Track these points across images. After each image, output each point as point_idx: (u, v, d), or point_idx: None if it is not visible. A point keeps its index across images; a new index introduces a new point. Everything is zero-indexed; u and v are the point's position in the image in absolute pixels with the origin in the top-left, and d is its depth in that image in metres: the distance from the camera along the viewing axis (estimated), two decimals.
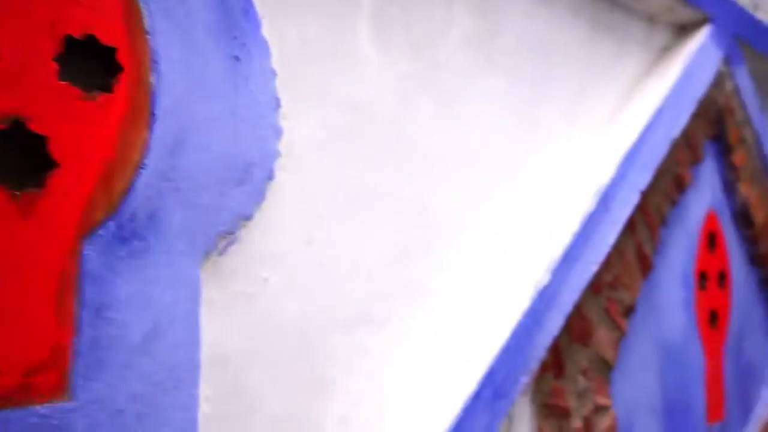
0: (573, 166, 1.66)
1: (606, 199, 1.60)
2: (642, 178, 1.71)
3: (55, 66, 0.82)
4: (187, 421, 0.92)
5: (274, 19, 1.08)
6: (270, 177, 1.05)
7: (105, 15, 0.87)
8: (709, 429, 2.02)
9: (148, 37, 0.91)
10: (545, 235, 1.52)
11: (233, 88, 1.00)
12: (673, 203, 1.91)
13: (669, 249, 1.91)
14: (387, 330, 1.25)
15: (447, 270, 1.37)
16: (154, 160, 0.91)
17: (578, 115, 1.71)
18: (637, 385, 1.78)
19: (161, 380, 0.90)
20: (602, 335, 1.63)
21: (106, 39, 0.87)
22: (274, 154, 1.06)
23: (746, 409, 2.23)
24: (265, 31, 1.06)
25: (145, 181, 0.90)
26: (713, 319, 2.09)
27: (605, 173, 1.62)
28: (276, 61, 1.08)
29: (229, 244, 1.02)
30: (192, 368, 0.93)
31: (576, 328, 1.56)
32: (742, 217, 2.23)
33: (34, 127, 0.81)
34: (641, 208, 1.75)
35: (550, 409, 1.50)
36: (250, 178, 1.01)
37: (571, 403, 1.54)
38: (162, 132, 0.92)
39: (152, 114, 0.91)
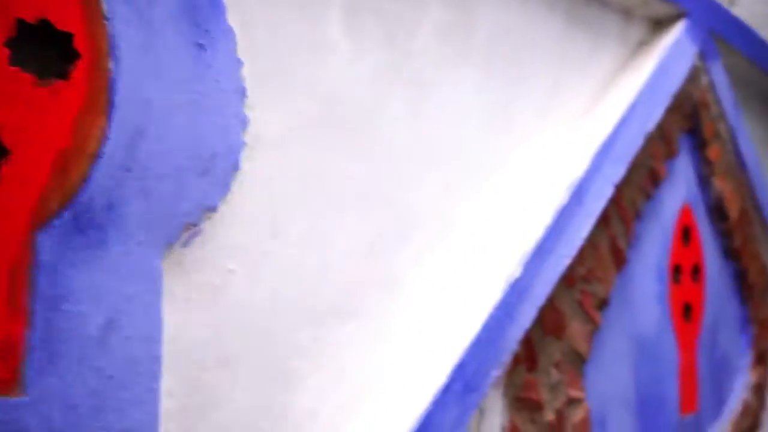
0: (547, 160, 1.65)
1: (579, 193, 1.59)
2: (616, 172, 1.71)
3: (6, 51, 0.80)
4: (147, 415, 0.90)
5: (241, 6, 1.06)
6: (235, 168, 1.03)
7: None
8: (682, 421, 2.04)
9: (106, 22, 0.89)
10: (518, 228, 1.52)
11: (196, 76, 0.97)
12: (648, 197, 1.91)
13: (643, 243, 1.91)
14: (356, 323, 1.24)
15: (418, 263, 1.36)
16: (112, 149, 0.89)
17: (552, 109, 1.70)
18: (611, 378, 1.78)
19: (119, 374, 0.87)
20: (576, 328, 1.63)
21: (61, 24, 0.85)
22: (239, 145, 1.04)
23: (719, 401, 2.26)
24: (231, 18, 1.04)
25: (103, 170, 0.88)
26: (687, 313, 2.10)
27: (579, 167, 1.62)
28: (243, 50, 1.05)
29: (193, 235, 1.00)
30: (152, 362, 0.91)
31: (549, 321, 1.55)
32: (717, 211, 2.24)
33: None
34: (615, 202, 1.76)
35: (522, 402, 1.50)
36: (213, 169, 0.99)
37: (544, 396, 1.54)
38: (121, 120, 0.90)
39: (110, 102, 0.89)
